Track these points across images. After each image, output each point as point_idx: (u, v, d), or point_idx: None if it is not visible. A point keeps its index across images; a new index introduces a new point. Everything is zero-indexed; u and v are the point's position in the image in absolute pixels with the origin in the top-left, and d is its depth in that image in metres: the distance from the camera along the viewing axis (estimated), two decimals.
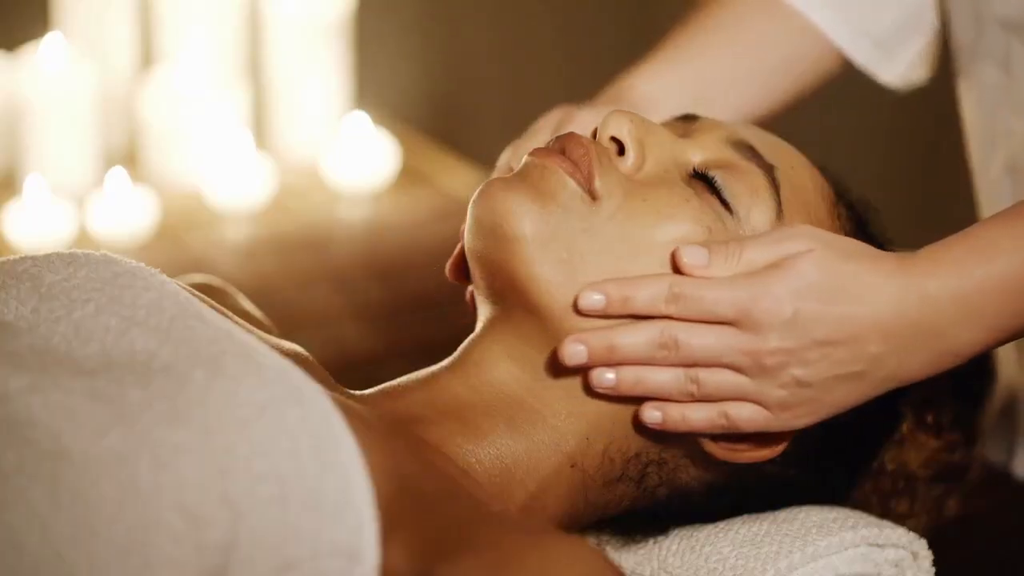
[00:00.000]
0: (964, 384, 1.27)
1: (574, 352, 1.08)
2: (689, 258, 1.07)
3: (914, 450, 1.24)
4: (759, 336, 1.05)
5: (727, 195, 1.13)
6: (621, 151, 1.14)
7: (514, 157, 1.27)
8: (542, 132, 1.28)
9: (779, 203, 1.14)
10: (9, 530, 0.93)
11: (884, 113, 2.78)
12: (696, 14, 1.41)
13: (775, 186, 1.14)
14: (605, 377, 1.08)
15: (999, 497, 1.41)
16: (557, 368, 1.11)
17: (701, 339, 1.06)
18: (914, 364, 1.07)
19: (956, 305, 1.06)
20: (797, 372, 1.06)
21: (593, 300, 1.08)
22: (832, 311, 1.05)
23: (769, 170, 1.15)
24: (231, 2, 2.64)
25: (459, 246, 1.19)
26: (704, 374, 1.07)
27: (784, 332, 1.05)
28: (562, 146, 1.13)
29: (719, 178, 1.14)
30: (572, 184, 1.11)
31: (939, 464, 1.25)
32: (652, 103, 1.34)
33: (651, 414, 1.09)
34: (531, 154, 1.14)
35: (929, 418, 1.25)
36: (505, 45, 2.90)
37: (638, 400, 1.10)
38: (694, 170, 1.15)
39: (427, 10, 2.92)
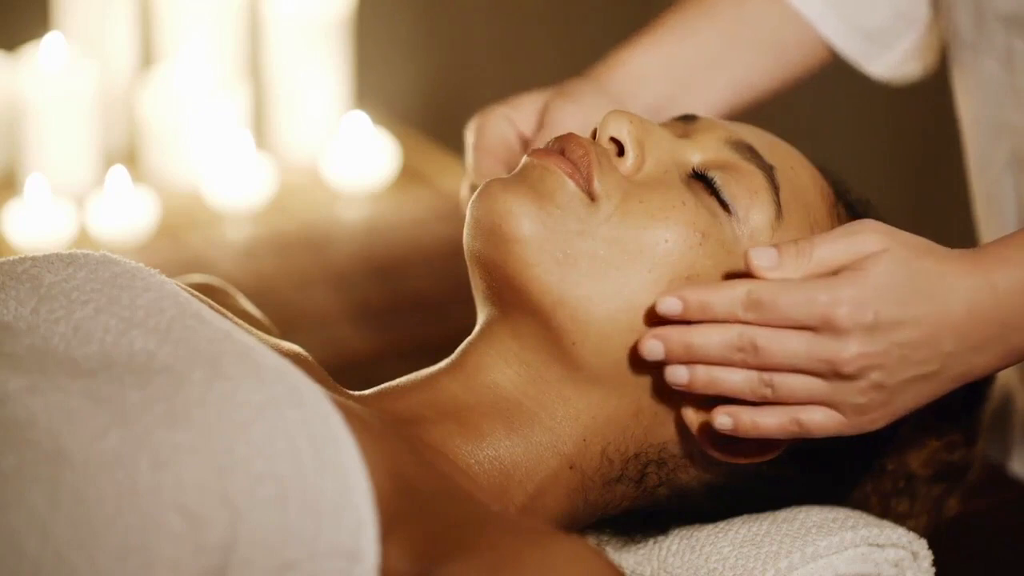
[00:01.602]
0: (964, 383, 1.27)
1: (652, 348, 1.07)
2: (758, 260, 1.06)
3: (914, 450, 1.24)
4: (839, 342, 1.04)
5: (726, 196, 1.13)
6: (621, 152, 1.14)
7: (482, 125, 1.28)
8: (520, 109, 1.29)
9: (778, 204, 1.14)
10: (9, 531, 0.93)
11: (883, 112, 2.79)
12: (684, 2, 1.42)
13: (774, 186, 1.14)
14: (679, 374, 1.07)
15: (999, 497, 1.41)
16: (554, 370, 1.11)
17: (780, 345, 1.05)
18: (985, 360, 1.07)
19: (1021, 301, 1.06)
20: (876, 376, 1.05)
21: (670, 305, 1.07)
22: (910, 312, 1.04)
23: (768, 170, 1.15)
24: (231, 2, 2.63)
25: None
26: (780, 378, 1.06)
27: (865, 337, 1.04)
28: (561, 147, 1.13)
29: (718, 179, 1.14)
30: (571, 185, 1.11)
31: (939, 464, 1.25)
32: (635, 82, 1.34)
33: (722, 419, 1.08)
34: (530, 155, 1.14)
35: (929, 418, 1.25)
36: (505, 45, 2.90)
37: (639, 400, 1.10)
38: (693, 171, 1.15)
39: (427, 10, 2.92)
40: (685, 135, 1.17)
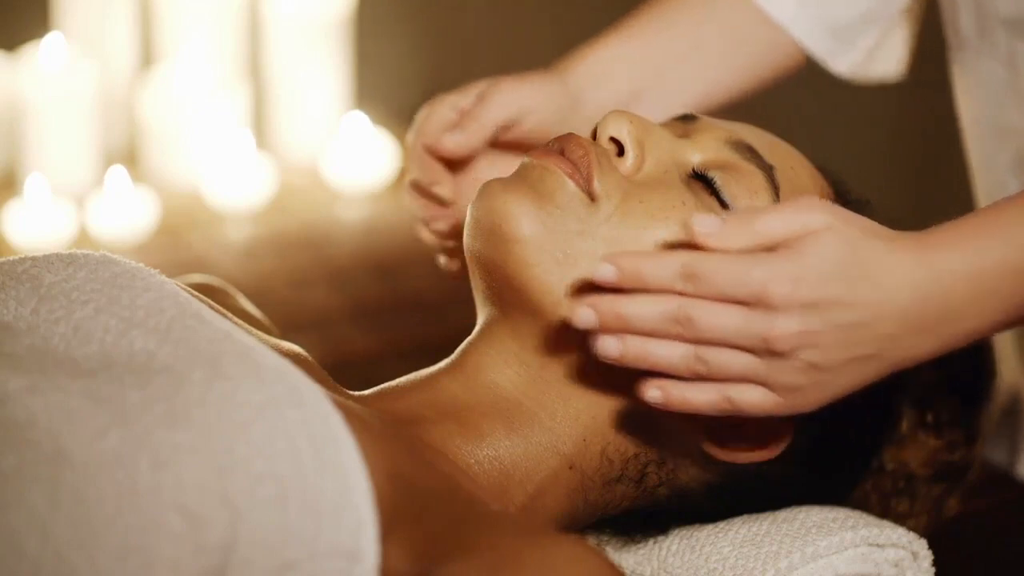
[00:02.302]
0: (964, 383, 1.27)
1: (584, 316, 1.04)
2: (700, 226, 1.03)
3: (914, 450, 1.24)
4: (773, 319, 1.01)
5: (726, 196, 1.13)
6: (621, 152, 1.14)
7: (425, 117, 1.26)
8: (467, 94, 1.27)
9: (778, 203, 1.14)
10: (9, 531, 0.93)
11: (883, 112, 2.78)
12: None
13: (774, 186, 1.14)
14: (611, 346, 1.04)
15: (999, 497, 1.41)
16: (554, 370, 1.11)
17: (714, 318, 1.02)
18: (926, 345, 1.05)
19: (970, 284, 1.04)
20: (810, 355, 1.02)
21: (605, 271, 1.03)
22: (849, 293, 1.02)
23: (768, 170, 1.15)
24: (231, 2, 2.63)
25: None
26: (713, 353, 1.03)
27: (799, 315, 1.01)
28: (561, 147, 1.13)
29: (718, 179, 1.14)
30: (571, 185, 1.11)
31: (939, 464, 1.25)
32: (596, 77, 1.33)
33: (652, 392, 1.05)
34: (530, 154, 1.14)
35: (929, 417, 1.25)
36: (505, 45, 2.90)
37: (639, 399, 1.10)
38: (693, 171, 1.15)
39: (427, 10, 2.92)
40: (685, 135, 1.17)
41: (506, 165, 1.24)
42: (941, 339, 1.05)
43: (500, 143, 1.28)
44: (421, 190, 1.28)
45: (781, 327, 1.01)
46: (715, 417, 1.08)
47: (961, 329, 1.05)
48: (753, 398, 1.04)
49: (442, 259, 1.33)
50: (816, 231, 1.02)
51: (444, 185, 1.27)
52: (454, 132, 1.25)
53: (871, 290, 1.02)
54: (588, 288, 1.07)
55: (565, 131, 1.18)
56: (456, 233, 1.29)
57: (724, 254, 1.02)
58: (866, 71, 1.44)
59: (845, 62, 1.42)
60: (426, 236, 1.33)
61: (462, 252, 1.20)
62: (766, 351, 1.02)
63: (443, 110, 1.27)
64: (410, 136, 1.29)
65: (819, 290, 1.01)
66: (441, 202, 1.28)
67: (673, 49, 1.38)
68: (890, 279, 1.03)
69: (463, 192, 1.29)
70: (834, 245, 1.02)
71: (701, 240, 1.03)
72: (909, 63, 1.46)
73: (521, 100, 1.27)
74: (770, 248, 1.02)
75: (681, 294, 1.03)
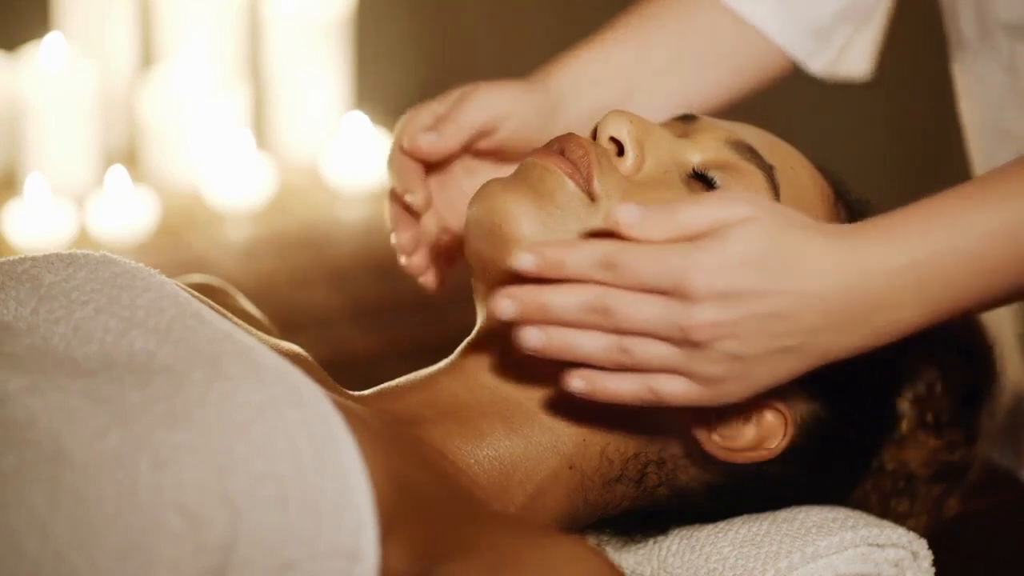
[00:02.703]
0: (964, 383, 1.27)
1: (504, 307, 1.03)
2: (622, 215, 1.02)
3: (914, 450, 1.24)
4: (691, 308, 1.01)
5: None
6: (621, 152, 1.14)
7: (405, 124, 1.25)
8: (446, 100, 1.26)
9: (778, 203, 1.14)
10: (9, 531, 0.93)
11: (883, 112, 2.78)
12: (635, 6, 1.39)
13: (774, 186, 1.14)
14: (533, 337, 1.03)
15: (999, 497, 1.41)
16: (554, 369, 1.11)
17: (634, 308, 1.01)
18: (853, 338, 1.04)
19: (898, 279, 1.03)
20: (729, 346, 1.02)
21: (526, 261, 1.03)
22: (770, 284, 1.01)
23: (768, 170, 1.15)
24: (231, 2, 2.64)
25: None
26: (634, 344, 1.03)
27: (717, 305, 1.01)
28: (561, 147, 1.13)
29: (718, 179, 1.13)
30: (571, 185, 1.11)
31: (939, 464, 1.25)
32: (576, 85, 1.32)
33: (576, 383, 1.05)
34: (530, 154, 1.14)
35: (929, 417, 1.25)
36: (505, 45, 2.90)
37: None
38: (693, 170, 1.15)
39: (426, 10, 2.92)
40: (685, 135, 1.17)
41: (484, 174, 1.24)
42: (870, 332, 1.04)
43: (478, 151, 1.27)
44: (395, 197, 1.27)
45: (698, 317, 1.01)
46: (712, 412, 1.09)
47: (891, 322, 1.04)
48: (675, 388, 1.04)
49: (403, 260, 1.29)
50: (738, 222, 1.02)
51: (417, 194, 1.24)
52: (429, 133, 1.23)
53: (792, 281, 1.02)
54: (513, 280, 1.06)
55: (544, 139, 1.18)
56: (418, 245, 1.27)
57: (645, 244, 1.02)
58: (836, 69, 1.43)
59: (820, 61, 1.41)
60: (393, 244, 1.30)
61: (430, 263, 1.21)
62: (685, 341, 1.02)
63: (422, 116, 1.25)
64: (391, 145, 1.28)
65: (737, 280, 1.01)
66: (412, 212, 1.26)
67: (655, 59, 1.37)
68: (813, 270, 1.02)
69: (437, 203, 1.27)
70: (755, 236, 1.01)
71: (623, 230, 1.02)
72: (876, 62, 1.45)
73: (499, 105, 1.25)
74: (692, 239, 1.02)
75: (602, 284, 1.02)
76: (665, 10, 1.38)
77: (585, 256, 1.02)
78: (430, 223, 1.27)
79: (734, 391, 1.04)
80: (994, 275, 1.05)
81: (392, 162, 1.26)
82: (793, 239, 1.02)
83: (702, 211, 1.02)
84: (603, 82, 1.34)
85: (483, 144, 1.26)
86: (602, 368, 1.04)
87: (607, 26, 1.38)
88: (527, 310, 1.03)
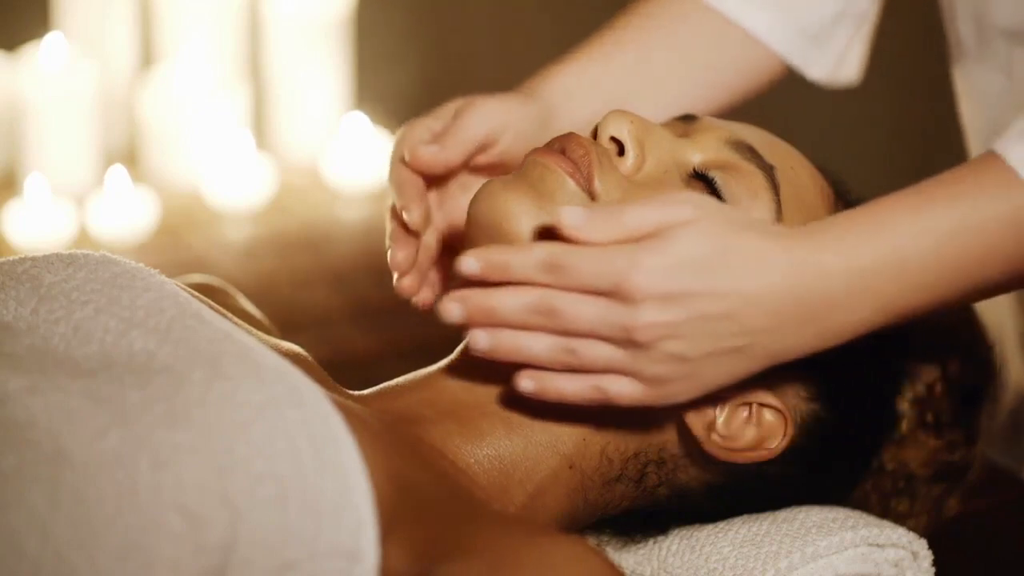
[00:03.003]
0: (964, 383, 1.27)
1: (451, 311, 1.05)
2: (566, 218, 1.03)
3: (914, 450, 1.24)
4: (632, 309, 1.02)
5: (727, 196, 1.13)
6: (621, 151, 1.14)
7: (401, 139, 1.22)
8: (439, 119, 1.24)
9: (779, 203, 1.14)
10: (9, 531, 0.93)
11: (884, 112, 2.78)
12: (627, 13, 1.37)
13: (775, 186, 1.14)
14: (481, 339, 1.05)
15: (999, 497, 1.41)
16: None
17: (577, 309, 1.03)
18: (800, 340, 1.04)
19: (845, 281, 1.03)
20: (673, 347, 1.03)
21: (470, 265, 1.04)
22: (712, 285, 1.02)
23: (769, 170, 1.15)
24: (231, 2, 2.64)
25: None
26: (580, 345, 1.04)
27: (659, 306, 1.01)
28: (562, 146, 1.13)
29: (719, 179, 1.13)
30: (571, 184, 1.11)
31: (939, 464, 1.25)
32: (577, 95, 1.31)
33: (525, 383, 1.06)
34: (531, 153, 1.14)
35: (929, 417, 1.25)
36: (504, 45, 2.90)
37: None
38: (694, 170, 1.15)
39: (426, 10, 2.92)
40: (685, 135, 1.17)
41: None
42: (817, 334, 1.05)
43: (475, 167, 1.26)
44: (395, 214, 1.26)
45: (641, 318, 1.02)
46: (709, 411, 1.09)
47: (838, 325, 1.04)
48: (622, 388, 1.05)
49: (395, 279, 1.28)
50: (681, 223, 1.02)
51: (413, 212, 1.22)
52: (431, 145, 1.22)
53: (736, 282, 1.02)
54: (461, 283, 1.07)
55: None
56: (412, 266, 1.25)
57: (589, 246, 1.03)
58: (837, 75, 1.43)
59: (820, 67, 1.40)
60: (389, 260, 1.28)
61: (430, 279, 1.20)
62: (629, 342, 1.03)
63: (418, 131, 1.24)
64: (389, 160, 1.26)
65: (680, 281, 1.02)
66: (408, 229, 1.24)
67: (650, 68, 1.36)
68: (758, 272, 1.02)
69: (435, 221, 1.26)
70: (699, 237, 1.02)
71: (567, 232, 1.03)
72: (866, 65, 1.45)
73: (497, 117, 1.24)
74: (636, 240, 1.03)
75: (548, 286, 1.03)
76: (659, 18, 1.37)
77: (529, 258, 1.03)
78: (431, 239, 1.26)
79: (681, 391, 1.05)
80: (942, 277, 1.05)
81: (393, 177, 1.24)
82: (737, 241, 1.03)
83: (646, 213, 1.03)
84: (597, 91, 1.33)
85: (482, 158, 1.25)
86: (552, 369, 1.05)
87: (600, 33, 1.36)
88: (473, 313, 1.05)
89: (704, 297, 1.02)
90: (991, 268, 1.06)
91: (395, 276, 1.26)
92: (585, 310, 1.03)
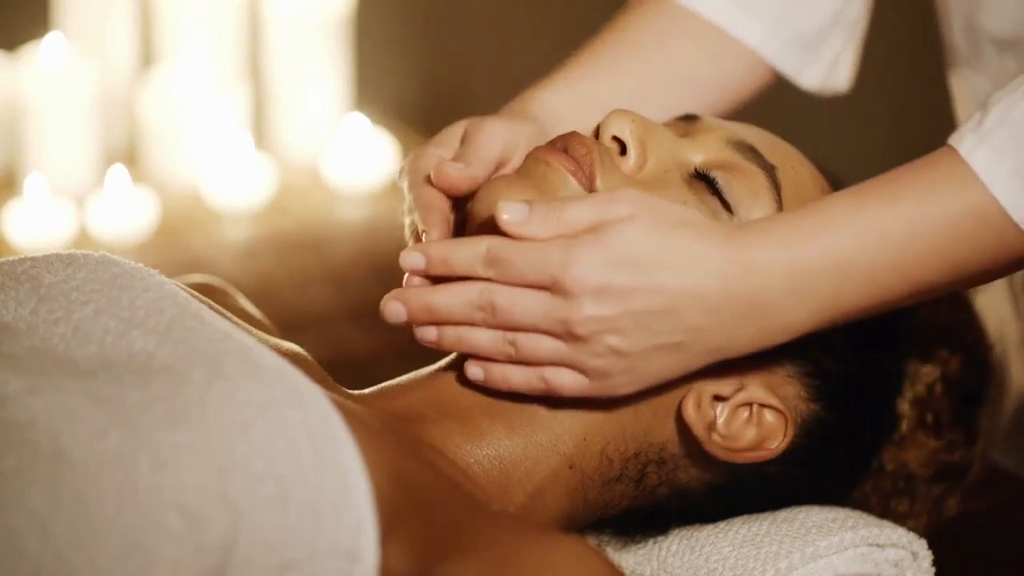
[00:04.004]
0: (964, 384, 1.27)
1: (394, 311, 1.08)
2: (507, 214, 1.05)
3: (914, 450, 1.24)
4: (571, 303, 1.03)
5: (728, 196, 1.13)
6: (623, 151, 1.14)
7: (418, 168, 1.19)
8: (445, 143, 1.21)
9: (780, 203, 1.14)
10: (9, 532, 0.93)
11: (883, 113, 2.79)
12: (612, 27, 1.35)
13: (776, 186, 1.14)
14: (428, 333, 1.08)
15: (999, 497, 1.41)
16: None
17: (516, 304, 1.05)
18: (741, 338, 1.05)
19: (786, 280, 1.04)
20: (612, 341, 1.04)
21: (413, 260, 1.07)
22: (648, 281, 1.03)
23: (770, 170, 1.15)
24: (231, 2, 2.64)
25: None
26: (522, 338, 1.06)
27: (595, 301, 1.03)
28: (564, 144, 1.13)
29: (720, 179, 1.13)
30: (573, 183, 1.11)
31: (939, 464, 1.25)
32: (559, 116, 1.28)
33: (474, 371, 1.09)
34: (533, 152, 1.14)
35: (929, 418, 1.25)
36: (504, 45, 2.90)
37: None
38: (695, 170, 1.15)
39: (426, 11, 2.92)
40: (686, 135, 1.17)
41: None
42: (757, 332, 1.05)
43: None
44: (416, 236, 1.24)
45: (579, 312, 1.04)
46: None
47: (779, 323, 1.05)
48: (565, 380, 1.07)
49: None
50: (619, 220, 1.04)
51: (433, 235, 1.16)
52: (456, 163, 1.20)
53: (673, 278, 1.03)
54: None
55: None
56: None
57: (527, 241, 1.04)
58: (829, 83, 1.42)
59: (813, 75, 1.39)
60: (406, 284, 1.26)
61: None
62: (568, 335, 1.05)
63: (427, 158, 1.20)
64: (406, 190, 1.21)
65: (613, 277, 1.03)
66: None
67: (643, 85, 1.33)
68: (695, 268, 1.03)
69: None
70: (636, 233, 1.03)
71: (508, 228, 1.05)
72: (856, 73, 1.44)
73: (507, 134, 1.22)
74: (574, 236, 1.04)
75: (488, 281, 1.05)
76: (650, 32, 1.34)
77: (469, 253, 1.06)
78: None
79: (623, 384, 1.07)
80: (884, 278, 1.05)
81: (419, 201, 1.19)
82: (677, 236, 1.04)
83: (585, 209, 1.05)
84: (593, 111, 1.31)
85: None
86: (498, 360, 1.08)
87: (590, 48, 1.33)
88: (414, 312, 1.07)
89: (640, 293, 1.03)
90: (935, 268, 1.05)
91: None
92: (524, 304, 1.05)
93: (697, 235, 1.04)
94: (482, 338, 1.07)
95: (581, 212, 1.05)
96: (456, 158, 1.19)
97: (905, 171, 1.07)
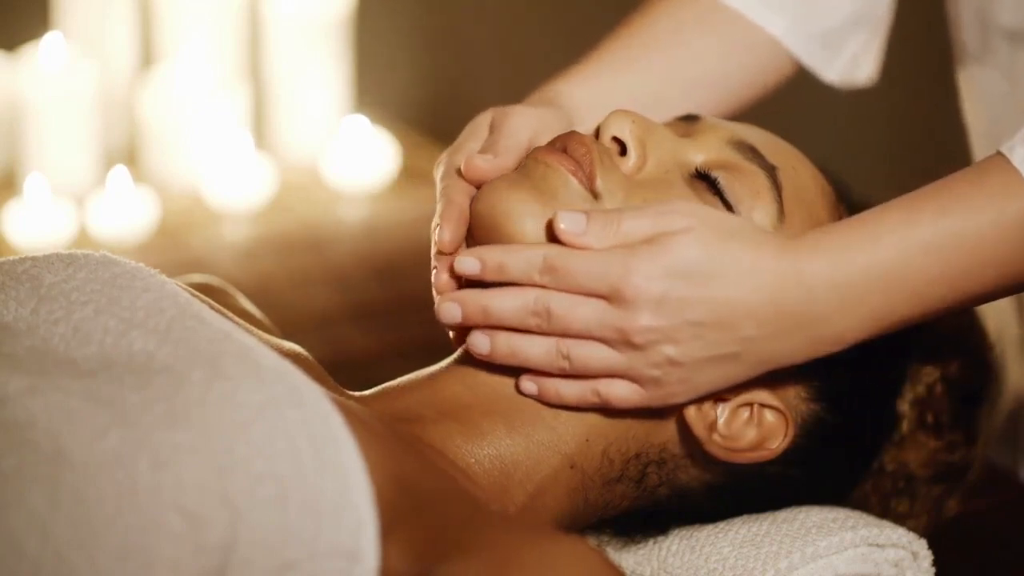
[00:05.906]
0: (964, 384, 1.27)
1: (448, 311, 1.08)
2: (565, 224, 1.06)
3: (914, 450, 1.24)
4: (629, 313, 1.04)
5: (729, 196, 1.13)
6: (623, 151, 1.14)
7: (452, 162, 1.18)
8: (476, 135, 1.20)
9: (781, 204, 1.14)
10: (9, 532, 0.93)
11: (884, 113, 2.79)
12: (634, 20, 1.36)
13: (777, 187, 1.14)
14: (480, 343, 1.09)
15: (999, 497, 1.41)
16: None
17: (573, 311, 1.05)
18: (791, 349, 1.06)
19: (835, 292, 1.05)
20: (668, 351, 1.05)
21: (469, 264, 1.07)
22: (704, 293, 1.04)
23: (771, 171, 1.15)
24: (231, 2, 2.64)
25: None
26: (575, 348, 1.06)
27: (654, 311, 1.04)
28: (564, 145, 1.13)
29: (721, 179, 1.14)
30: (574, 183, 1.11)
31: (939, 464, 1.25)
32: (584, 108, 1.28)
33: (527, 385, 1.09)
34: (533, 152, 1.14)
35: (929, 418, 1.25)
36: (505, 45, 2.90)
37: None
38: (696, 170, 1.15)
39: (426, 11, 2.92)
40: (687, 135, 1.17)
41: None
42: (808, 342, 1.06)
43: None
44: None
45: (636, 321, 1.04)
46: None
47: (830, 334, 1.06)
48: (619, 392, 1.08)
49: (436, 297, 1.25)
50: (676, 232, 1.05)
51: (445, 232, 1.15)
52: (485, 155, 1.18)
53: (726, 290, 1.04)
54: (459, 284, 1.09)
55: None
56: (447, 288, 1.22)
57: (586, 250, 1.06)
58: (852, 77, 1.42)
59: (835, 69, 1.40)
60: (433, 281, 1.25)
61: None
62: (625, 343, 1.05)
63: (464, 151, 1.19)
64: (440, 181, 1.20)
65: (671, 288, 1.04)
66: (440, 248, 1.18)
67: (673, 75, 1.33)
68: (748, 281, 1.05)
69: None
70: (693, 245, 1.04)
71: (566, 238, 1.06)
72: (880, 67, 1.44)
73: (534, 124, 1.23)
74: (632, 247, 1.05)
75: (544, 288, 1.06)
76: (678, 22, 1.35)
77: (525, 260, 1.06)
78: None
79: (678, 394, 1.08)
80: (933, 289, 1.06)
81: (443, 193, 1.18)
82: (731, 249, 1.05)
83: (642, 220, 1.06)
84: (614, 99, 1.31)
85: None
86: (551, 373, 1.08)
87: (620, 38, 1.34)
88: (469, 313, 1.08)
89: (696, 304, 1.04)
90: (988, 278, 1.07)
91: (435, 295, 1.24)
92: (581, 311, 1.05)
93: (751, 247, 1.05)
94: (535, 349, 1.07)
95: (639, 223, 1.06)
96: (484, 149, 1.19)
97: (957, 180, 1.08)
